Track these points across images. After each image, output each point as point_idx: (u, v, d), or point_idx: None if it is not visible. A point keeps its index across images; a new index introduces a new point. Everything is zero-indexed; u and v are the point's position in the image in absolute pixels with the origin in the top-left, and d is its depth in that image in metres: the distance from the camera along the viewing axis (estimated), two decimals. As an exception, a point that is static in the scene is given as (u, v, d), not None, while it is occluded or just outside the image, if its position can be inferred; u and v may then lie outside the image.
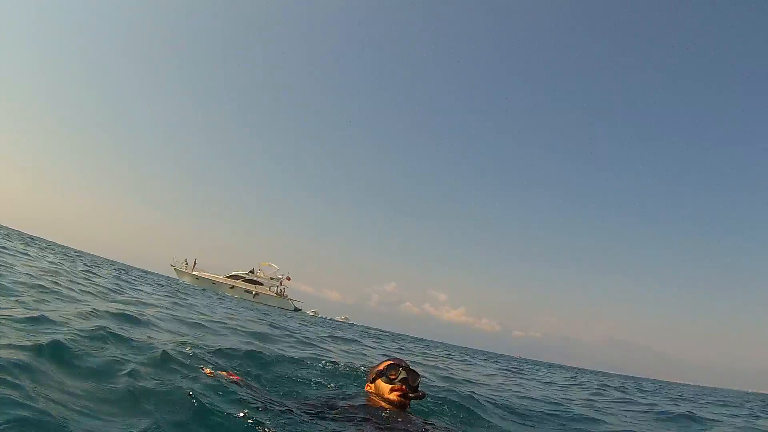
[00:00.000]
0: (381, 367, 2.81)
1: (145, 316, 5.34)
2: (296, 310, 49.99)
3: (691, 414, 6.18)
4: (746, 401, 14.92)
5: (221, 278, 50.62)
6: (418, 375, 2.84)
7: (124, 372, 2.73)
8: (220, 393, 2.41)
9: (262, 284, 51.35)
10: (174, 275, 50.68)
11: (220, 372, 2.69)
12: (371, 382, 2.85)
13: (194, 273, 50.22)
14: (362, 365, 4.86)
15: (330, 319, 51.86)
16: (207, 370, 2.67)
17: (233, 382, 2.57)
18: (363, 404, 2.64)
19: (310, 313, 53.53)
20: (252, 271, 52.34)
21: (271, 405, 2.37)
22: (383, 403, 2.67)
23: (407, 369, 2.78)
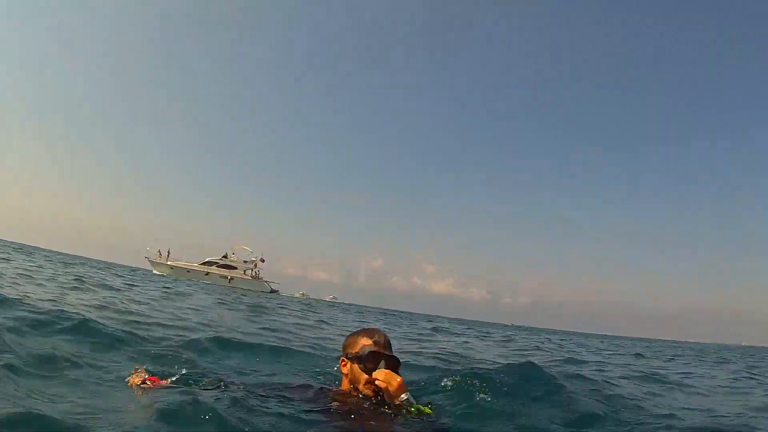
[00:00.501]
0: (357, 349, 2.47)
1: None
2: (272, 291, 51.12)
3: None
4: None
5: (196, 266, 51.37)
6: (399, 361, 2.49)
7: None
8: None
9: (236, 268, 52.11)
10: (149, 267, 51.26)
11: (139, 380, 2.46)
12: (347, 359, 2.51)
13: (168, 263, 50.90)
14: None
15: (318, 300, 52.30)
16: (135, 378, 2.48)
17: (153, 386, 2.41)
18: (330, 395, 2.47)
19: (298, 295, 54.40)
20: (225, 256, 52.95)
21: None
22: (356, 393, 2.43)
23: (388, 358, 2.43)
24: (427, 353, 6.53)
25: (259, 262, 53.96)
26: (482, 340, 12.82)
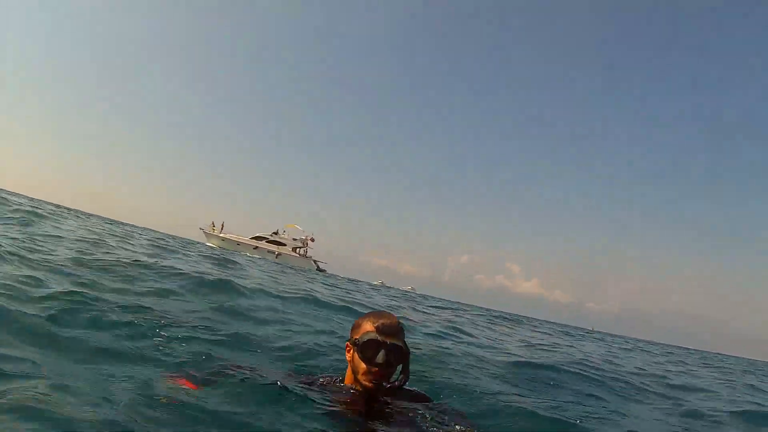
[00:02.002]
0: (359, 335, 2.15)
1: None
2: (319, 270, 50.95)
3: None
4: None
5: (245, 239, 52.54)
6: (407, 352, 2.14)
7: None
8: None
9: (285, 245, 52.96)
10: (203, 239, 52.80)
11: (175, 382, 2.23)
12: (351, 345, 2.20)
13: (221, 235, 52.09)
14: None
15: (395, 288, 52.63)
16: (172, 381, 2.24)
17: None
18: (327, 384, 2.27)
19: (376, 283, 55.26)
20: (276, 233, 53.99)
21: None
22: (356, 384, 2.18)
23: (390, 348, 2.09)
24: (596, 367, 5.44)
25: (309, 240, 54.96)
26: (627, 351, 11.14)
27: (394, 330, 2.13)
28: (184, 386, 2.15)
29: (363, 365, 2.10)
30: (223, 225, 53.98)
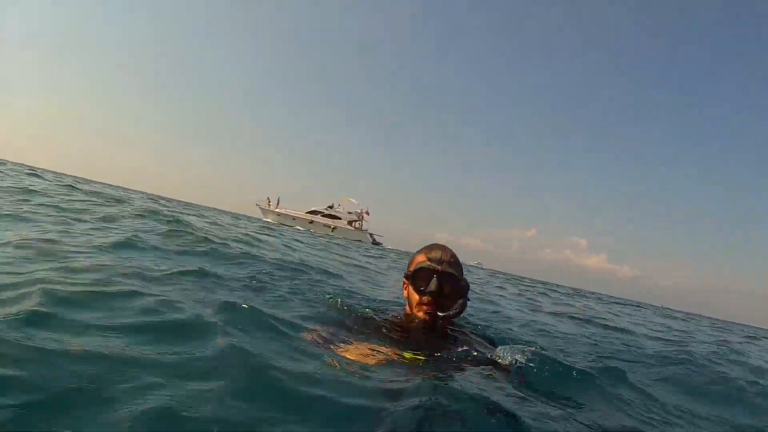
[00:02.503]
0: (412, 267, 2.10)
1: None
2: (375, 243, 50.24)
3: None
4: None
5: (301, 214, 52.56)
6: (459, 279, 2.05)
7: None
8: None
9: (340, 219, 52.49)
10: (260, 215, 53.25)
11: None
12: (406, 280, 2.14)
13: (276, 211, 52.27)
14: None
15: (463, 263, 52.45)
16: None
17: None
18: (388, 318, 2.19)
19: None
20: (331, 206, 53.69)
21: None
22: (413, 319, 2.08)
23: (442, 275, 2.01)
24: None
25: (365, 214, 54.47)
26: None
27: (447, 259, 2.08)
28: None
29: (416, 296, 2.06)
30: (279, 200, 54.29)
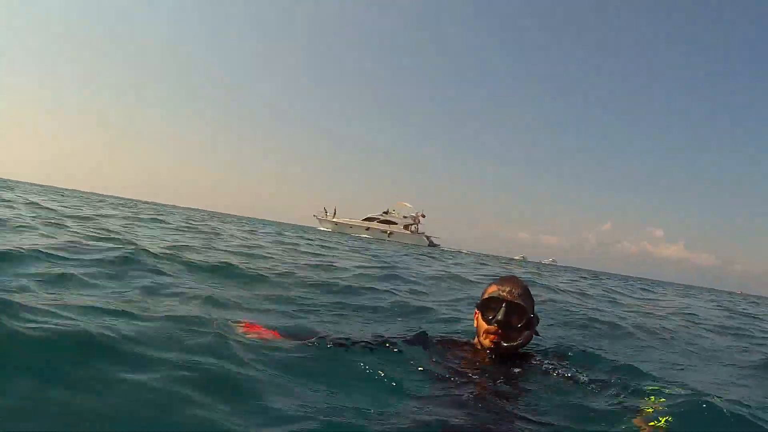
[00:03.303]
0: (485, 295, 2.19)
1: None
2: (432, 245, 50.23)
3: None
4: None
5: (357, 222, 53.72)
6: (527, 310, 2.12)
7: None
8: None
9: (395, 223, 53.09)
10: (317, 224, 54.80)
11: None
12: (477, 310, 2.23)
13: (333, 220, 53.59)
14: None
15: (537, 263, 51.86)
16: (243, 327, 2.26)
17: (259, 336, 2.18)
18: (452, 343, 2.28)
19: (517, 258, 54.71)
20: (386, 212, 54.39)
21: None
22: (478, 348, 2.18)
23: (511, 305, 2.09)
24: None
25: (420, 217, 54.83)
26: None
27: (517, 290, 2.15)
28: (261, 333, 2.19)
29: (484, 324, 2.13)
30: (335, 210, 55.50)
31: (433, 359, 2.06)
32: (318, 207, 57.46)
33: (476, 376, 1.94)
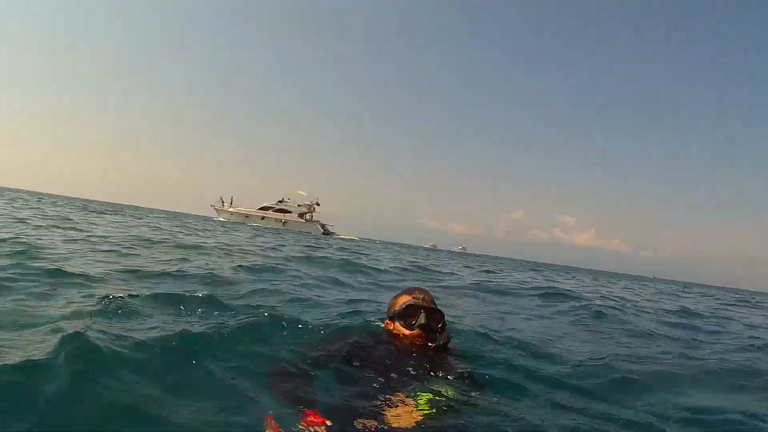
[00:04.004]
0: (398, 307, 2.42)
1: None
2: (327, 233, 52.58)
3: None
4: None
5: (253, 211, 54.31)
6: (443, 315, 2.41)
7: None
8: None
9: (290, 212, 54.43)
10: (214, 215, 55.07)
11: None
12: (390, 320, 2.49)
13: (229, 210, 54.24)
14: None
15: (448, 251, 52.30)
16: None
17: None
18: (380, 341, 2.38)
19: (427, 246, 55.07)
20: (282, 201, 55.44)
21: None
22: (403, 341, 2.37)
23: (428, 310, 2.37)
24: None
25: (315, 205, 56.05)
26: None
27: (429, 297, 2.46)
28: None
29: (406, 331, 2.34)
30: (232, 200, 55.87)
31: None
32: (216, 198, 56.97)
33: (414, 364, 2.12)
